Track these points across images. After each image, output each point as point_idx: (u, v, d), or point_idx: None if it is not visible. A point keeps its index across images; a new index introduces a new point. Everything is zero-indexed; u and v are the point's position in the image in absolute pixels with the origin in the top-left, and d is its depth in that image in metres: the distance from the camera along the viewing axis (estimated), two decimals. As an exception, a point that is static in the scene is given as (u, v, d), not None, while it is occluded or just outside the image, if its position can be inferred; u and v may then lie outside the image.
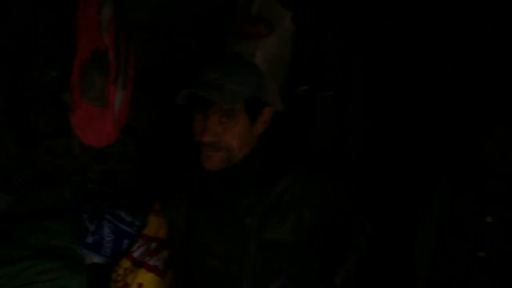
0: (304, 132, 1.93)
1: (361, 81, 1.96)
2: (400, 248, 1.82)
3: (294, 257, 1.40)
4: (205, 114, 1.32)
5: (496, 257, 1.57)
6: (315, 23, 1.88)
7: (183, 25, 1.91)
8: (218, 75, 1.30)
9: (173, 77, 1.50)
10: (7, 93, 1.86)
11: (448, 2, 1.87)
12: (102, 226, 1.75)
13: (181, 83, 1.34)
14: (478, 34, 1.84)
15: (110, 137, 1.75)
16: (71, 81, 1.61)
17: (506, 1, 1.73)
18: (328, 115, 1.93)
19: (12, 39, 1.79)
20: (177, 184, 1.50)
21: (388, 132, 1.98)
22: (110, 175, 1.88)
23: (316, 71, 1.90)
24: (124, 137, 1.82)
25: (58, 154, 1.78)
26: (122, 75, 1.72)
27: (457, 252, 1.63)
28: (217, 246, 1.41)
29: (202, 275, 1.44)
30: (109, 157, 1.87)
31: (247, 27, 1.83)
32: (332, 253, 1.46)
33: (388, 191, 1.96)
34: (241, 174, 1.38)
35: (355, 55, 1.94)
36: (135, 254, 1.75)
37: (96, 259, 1.78)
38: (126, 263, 1.75)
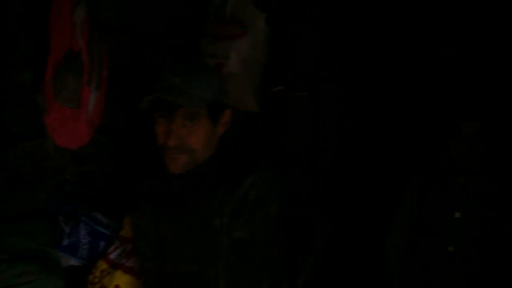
0: (278, 131, 1.95)
1: (334, 81, 2.00)
2: (373, 244, 1.87)
3: (265, 253, 1.42)
4: (169, 118, 1.32)
5: (464, 251, 1.63)
6: (289, 24, 1.91)
7: (158, 26, 1.91)
8: (181, 80, 1.32)
9: (147, 78, 1.49)
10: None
11: (416, 3, 1.92)
12: (78, 228, 1.73)
13: (153, 85, 1.35)
14: (446, 35, 1.90)
15: (83, 138, 1.73)
16: (44, 82, 1.59)
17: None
18: (302, 115, 1.96)
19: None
20: (142, 191, 1.49)
21: (361, 131, 2.02)
22: (87, 176, 1.86)
23: (290, 72, 1.93)
24: (99, 138, 1.80)
25: (34, 156, 1.74)
26: (96, 76, 1.70)
27: (428, 247, 1.69)
28: (189, 250, 1.42)
29: (177, 281, 1.44)
30: (85, 158, 1.85)
31: (221, 28, 1.84)
32: (295, 249, 1.48)
33: (360, 189, 2.00)
34: (205, 175, 1.39)
35: (328, 55, 1.97)
36: (112, 256, 1.74)
37: (72, 261, 1.75)
38: (102, 265, 1.73)
